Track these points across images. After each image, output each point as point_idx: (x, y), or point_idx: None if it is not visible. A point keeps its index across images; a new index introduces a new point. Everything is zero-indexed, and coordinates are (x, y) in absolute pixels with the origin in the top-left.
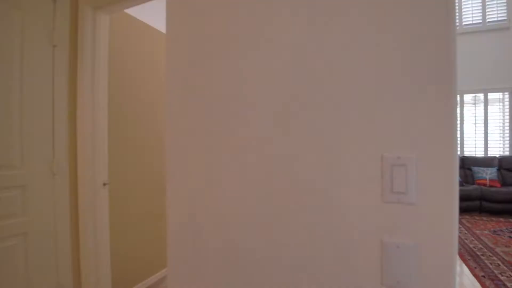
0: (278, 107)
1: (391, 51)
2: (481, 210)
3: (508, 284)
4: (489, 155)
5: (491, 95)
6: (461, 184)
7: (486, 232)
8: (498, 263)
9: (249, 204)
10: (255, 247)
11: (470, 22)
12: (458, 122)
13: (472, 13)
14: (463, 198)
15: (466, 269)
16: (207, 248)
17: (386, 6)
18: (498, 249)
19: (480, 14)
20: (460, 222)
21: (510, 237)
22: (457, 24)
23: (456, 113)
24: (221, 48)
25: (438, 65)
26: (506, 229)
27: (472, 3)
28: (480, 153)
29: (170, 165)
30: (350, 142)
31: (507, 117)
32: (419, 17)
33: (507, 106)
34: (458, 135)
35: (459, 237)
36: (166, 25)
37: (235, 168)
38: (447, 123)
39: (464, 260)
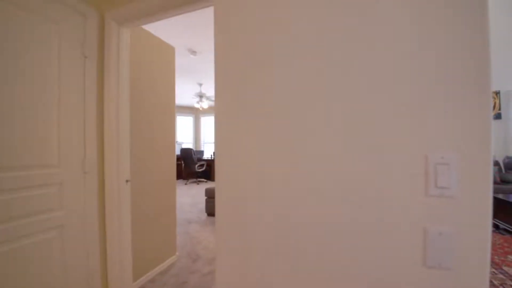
0: (329, 109)
1: (437, 59)
2: None
3: None
4: None
5: None
6: None
7: None
8: None
9: (293, 196)
10: (307, 246)
11: None
12: None
13: None
14: None
15: None
16: (259, 223)
17: (433, 20)
18: None
19: None
20: None
21: None
22: None
23: (491, 117)
24: (268, 61)
25: (476, 73)
26: None
27: None
28: None
29: (219, 159)
30: (398, 144)
31: None
32: (459, 29)
33: None
34: None
35: None
36: (215, 42)
37: (280, 161)
38: (485, 126)
39: None
